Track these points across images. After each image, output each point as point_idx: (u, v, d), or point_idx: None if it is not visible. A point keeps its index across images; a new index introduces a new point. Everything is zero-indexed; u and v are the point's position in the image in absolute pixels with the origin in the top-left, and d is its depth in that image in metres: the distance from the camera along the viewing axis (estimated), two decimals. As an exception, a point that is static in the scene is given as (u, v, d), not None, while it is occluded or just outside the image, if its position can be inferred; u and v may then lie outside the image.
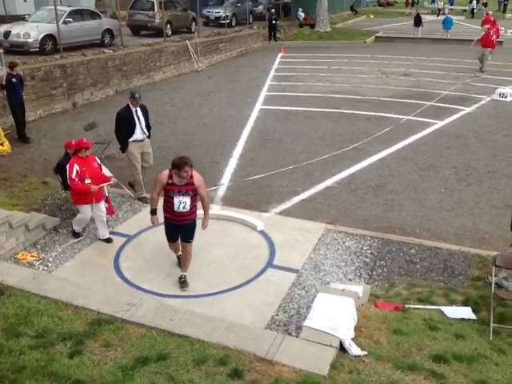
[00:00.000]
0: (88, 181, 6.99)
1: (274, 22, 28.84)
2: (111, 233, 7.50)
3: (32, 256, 6.97)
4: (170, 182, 5.88)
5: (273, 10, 28.98)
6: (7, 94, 11.57)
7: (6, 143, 11.12)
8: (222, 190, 9.38)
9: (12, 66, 11.42)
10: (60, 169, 8.06)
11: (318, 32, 31.83)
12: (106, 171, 7.75)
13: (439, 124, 13.28)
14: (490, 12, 30.73)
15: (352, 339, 4.85)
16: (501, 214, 8.30)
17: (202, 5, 26.06)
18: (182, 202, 5.89)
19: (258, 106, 15.39)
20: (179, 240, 6.37)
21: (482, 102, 15.68)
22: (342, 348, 4.73)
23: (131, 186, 8.77)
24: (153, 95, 15.89)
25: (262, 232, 7.65)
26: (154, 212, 6.32)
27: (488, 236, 7.73)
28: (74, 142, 8.12)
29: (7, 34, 15.75)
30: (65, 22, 16.50)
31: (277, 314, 5.80)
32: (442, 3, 50.79)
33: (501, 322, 5.41)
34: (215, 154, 11.25)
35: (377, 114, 14.25)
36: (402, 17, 47.13)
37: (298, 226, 7.84)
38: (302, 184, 9.57)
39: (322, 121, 13.75)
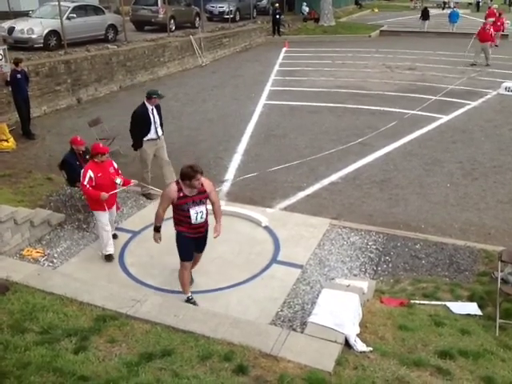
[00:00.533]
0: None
1: (277, 16, 28.74)
2: (116, 228, 7.50)
3: (37, 252, 6.99)
4: (181, 195, 5.45)
5: (277, 5, 28.87)
6: (12, 90, 11.57)
7: (11, 139, 11.13)
8: (226, 186, 9.37)
9: (17, 62, 11.40)
10: (65, 165, 8.06)
11: (323, 26, 31.71)
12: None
13: (445, 118, 13.20)
14: (496, 5, 30.54)
15: (357, 335, 4.83)
16: (506, 209, 8.26)
17: (205, 0, 25.99)
18: (199, 213, 5.53)
19: (262, 100, 15.35)
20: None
21: (488, 96, 15.58)
22: (347, 344, 4.72)
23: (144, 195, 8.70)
24: (157, 91, 15.85)
25: (266, 227, 7.64)
26: (158, 229, 5.85)
27: (494, 231, 7.69)
28: (79, 139, 8.12)
29: (11, 30, 15.74)
30: (69, 18, 16.48)
31: (281, 310, 5.79)
32: (448, -4, 50.48)
33: (507, 318, 5.37)
34: (219, 149, 11.23)
35: (381, 108, 14.18)
36: (407, 10, 46.90)
37: (302, 221, 7.82)
38: (307, 179, 9.54)
39: (326, 115, 13.69)
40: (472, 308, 5.65)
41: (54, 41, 16.00)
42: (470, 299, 5.85)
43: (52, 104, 14.21)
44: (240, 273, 6.48)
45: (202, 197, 5.54)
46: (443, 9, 45.62)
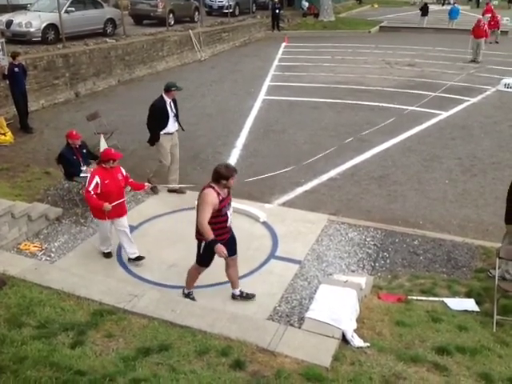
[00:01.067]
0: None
1: (277, 11, 28.65)
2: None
3: (35, 246, 6.98)
4: (220, 198, 5.21)
5: (276, 0, 28.76)
6: (10, 83, 11.51)
7: (9, 133, 11.09)
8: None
9: (14, 55, 11.34)
10: (62, 159, 8.03)
11: (322, 21, 31.61)
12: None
13: (444, 115, 13.18)
14: (495, 2, 30.47)
15: (354, 330, 4.83)
16: (505, 206, 8.23)
17: (204, -6, 25.92)
18: (231, 214, 5.40)
19: (261, 96, 15.31)
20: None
21: (487, 93, 15.57)
22: (344, 339, 4.72)
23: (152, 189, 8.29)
24: (155, 85, 15.75)
25: (264, 223, 7.63)
26: (216, 241, 5.22)
27: (492, 227, 7.68)
28: (74, 132, 8.07)
29: (9, 23, 15.66)
30: (67, 12, 16.38)
31: (279, 305, 5.79)
32: (447, -8, 50.31)
33: (504, 314, 5.37)
34: (218, 144, 11.21)
35: (381, 104, 14.16)
36: (407, 6, 46.75)
37: (300, 217, 7.81)
38: (305, 175, 9.52)
39: (325, 111, 13.66)
40: (469, 304, 5.65)
41: (52, 34, 15.92)
42: (468, 295, 5.85)
43: (50, 98, 14.15)
44: (238, 268, 6.46)
45: (230, 196, 5.43)
46: (443, 5, 45.46)
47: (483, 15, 28.42)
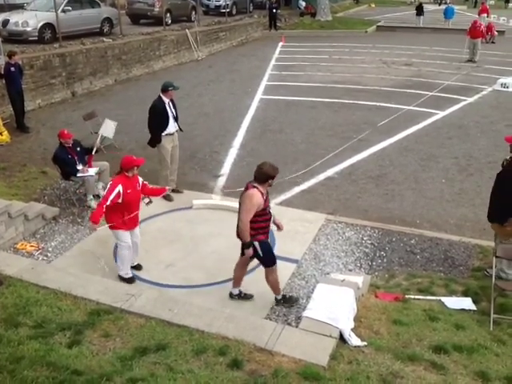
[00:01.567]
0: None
1: (274, 10, 28.64)
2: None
3: (31, 246, 6.95)
4: (264, 198, 5.20)
5: (273, -1, 28.78)
6: (6, 83, 11.47)
7: (5, 133, 11.05)
8: (222, 180, 9.35)
9: (11, 54, 11.30)
10: (57, 160, 8.00)
11: (319, 21, 31.64)
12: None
13: (440, 114, 13.21)
14: (492, 2, 30.55)
15: (352, 329, 4.84)
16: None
17: (201, -7, 25.90)
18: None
19: (259, 95, 15.31)
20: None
21: (484, 92, 15.60)
22: (341, 338, 4.72)
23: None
24: (152, 84, 15.73)
25: (261, 222, 7.61)
26: (252, 243, 5.30)
27: (488, 226, 7.65)
28: (66, 132, 8.01)
29: (5, 22, 15.62)
30: (64, 11, 16.35)
31: (276, 304, 5.78)
32: (444, -8, 50.46)
33: (501, 313, 5.39)
34: (215, 143, 11.20)
35: (378, 103, 14.17)
36: (404, 6, 46.85)
37: (298, 216, 7.80)
38: (302, 174, 9.52)
39: (322, 111, 13.67)
40: (466, 303, 5.67)
41: (48, 34, 15.87)
42: (465, 294, 5.86)
43: (46, 97, 14.12)
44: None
45: (268, 195, 5.40)
46: (440, 4, 45.59)
47: (479, 15, 28.53)
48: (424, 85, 16.34)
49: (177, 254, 6.77)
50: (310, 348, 4.50)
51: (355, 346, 4.66)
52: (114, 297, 5.21)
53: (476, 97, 15.06)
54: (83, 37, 16.96)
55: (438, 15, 33.94)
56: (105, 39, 17.34)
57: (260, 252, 5.39)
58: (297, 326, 4.98)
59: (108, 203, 5.76)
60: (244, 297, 5.86)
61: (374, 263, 6.78)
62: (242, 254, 5.49)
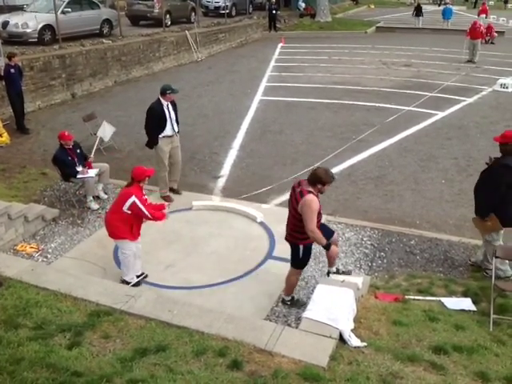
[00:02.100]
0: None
1: (274, 11, 28.69)
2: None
3: (31, 247, 6.96)
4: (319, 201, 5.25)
5: (273, 0, 28.77)
6: (6, 84, 11.48)
7: (5, 134, 11.07)
8: (221, 181, 9.35)
9: (10, 56, 11.32)
10: (57, 161, 8.00)
11: (319, 22, 31.68)
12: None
13: (440, 115, 13.22)
14: (492, 2, 30.59)
15: (351, 330, 4.83)
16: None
17: (201, -5, 25.93)
18: None
19: (258, 96, 15.32)
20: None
21: (484, 93, 15.62)
22: (341, 339, 4.71)
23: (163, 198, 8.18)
24: (152, 86, 15.76)
25: (261, 223, 7.62)
26: (330, 244, 5.44)
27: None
28: (66, 133, 8.02)
29: (5, 24, 15.63)
30: (63, 12, 16.37)
31: (276, 305, 5.80)
32: (444, -7, 50.51)
33: (501, 313, 5.38)
34: (215, 144, 11.20)
35: (377, 104, 14.18)
36: (403, 7, 46.91)
37: (297, 217, 7.79)
38: (302, 175, 9.51)
39: (322, 112, 13.67)
40: (466, 303, 5.66)
41: (48, 35, 15.89)
42: (465, 295, 5.86)
43: (46, 99, 14.13)
44: (235, 268, 6.47)
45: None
46: (439, 5, 45.58)
47: (478, 15, 28.56)
48: (424, 85, 16.35)
49: (176, 254, 6.77)
50: (309, 349, 4.50)
51: (355, 347, 4.65)
52: (114, 298, 5.21)
53: (475, 97, 15.07)
54: (83, 38, 16.98)
55: (438, 16, 33.97)
56: (104, 40, 17.36)
57: (300, 254, 5.50)
58: (297, 327, 4.98)
59: (146, 212, 5.85)
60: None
61: (374, 264, 6.78)
62: (297, 258, 5.56)
